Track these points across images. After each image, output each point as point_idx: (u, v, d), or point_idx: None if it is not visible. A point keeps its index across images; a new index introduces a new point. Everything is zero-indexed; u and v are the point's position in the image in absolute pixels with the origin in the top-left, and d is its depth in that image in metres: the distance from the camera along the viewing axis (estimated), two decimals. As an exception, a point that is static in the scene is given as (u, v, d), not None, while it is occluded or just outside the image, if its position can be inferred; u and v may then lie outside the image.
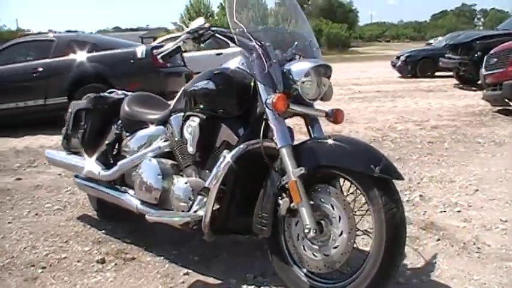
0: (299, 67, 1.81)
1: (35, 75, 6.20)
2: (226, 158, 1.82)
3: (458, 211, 2.67)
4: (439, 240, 2.30)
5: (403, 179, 1.70)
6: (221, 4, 38.25)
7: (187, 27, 1.95)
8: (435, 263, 2.06)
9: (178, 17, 40.37)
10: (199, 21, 1.93)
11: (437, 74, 12.51)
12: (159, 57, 2.04)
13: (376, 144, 4.46)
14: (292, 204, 1.70)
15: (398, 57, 13.46)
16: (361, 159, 1.62)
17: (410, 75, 12.75)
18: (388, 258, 1.57)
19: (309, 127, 1.95)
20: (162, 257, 2.24)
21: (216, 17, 38.58)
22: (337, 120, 1.95)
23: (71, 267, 2.17)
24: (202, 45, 2.04)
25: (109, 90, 2.84)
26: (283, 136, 1.75)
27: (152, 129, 2.35)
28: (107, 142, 2.52)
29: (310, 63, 1.81)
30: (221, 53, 9.86)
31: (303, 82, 1.78)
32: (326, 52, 35.06)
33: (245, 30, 1.86)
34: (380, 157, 1.63)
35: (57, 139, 4.84)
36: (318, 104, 1.91)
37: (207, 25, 1.92)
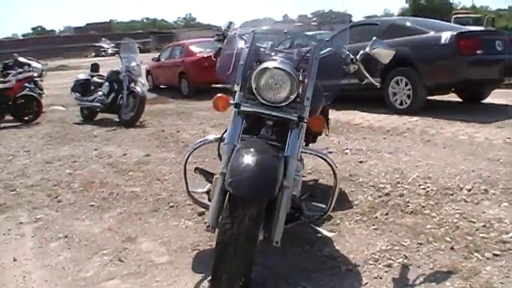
0: (257, 68, 1.87)
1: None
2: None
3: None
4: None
5: (254, 198, 1.60)
6: None
7: None
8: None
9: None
10: (224, 26, 2.34)
11: None
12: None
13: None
14: None
15: None
16: (229, 169, 1.68)
17: None
18: (214, 273, 1.60)
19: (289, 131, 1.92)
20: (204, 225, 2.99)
21: None
22: (313, 127, 1.91)
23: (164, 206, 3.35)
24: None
25: None
26: (230, 134, 1.90)
27: None
28: None
29: (264, 65, 1.84)
30: None
31: (256, 83, 1.85)
32: None
33: (236, 32, 2.16)
34: (242, 172, 1.60)
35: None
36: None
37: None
